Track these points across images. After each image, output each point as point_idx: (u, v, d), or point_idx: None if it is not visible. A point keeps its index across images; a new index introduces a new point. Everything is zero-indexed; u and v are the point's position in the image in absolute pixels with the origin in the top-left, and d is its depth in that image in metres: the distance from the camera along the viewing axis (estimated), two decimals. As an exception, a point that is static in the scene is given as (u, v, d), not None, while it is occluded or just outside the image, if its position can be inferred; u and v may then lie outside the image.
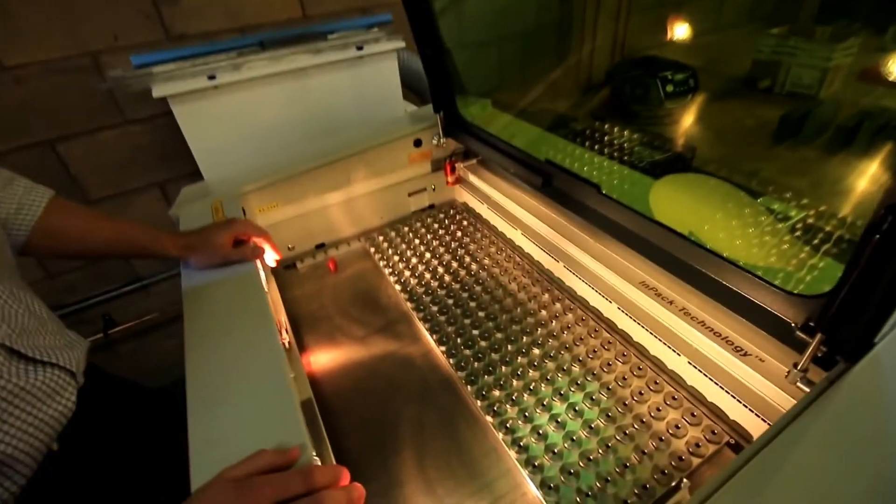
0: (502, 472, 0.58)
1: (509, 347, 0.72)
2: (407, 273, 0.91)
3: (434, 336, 0.76)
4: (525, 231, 0.91)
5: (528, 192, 0.95)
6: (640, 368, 0.66)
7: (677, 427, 0.58)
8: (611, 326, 0.74)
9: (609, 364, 0.67)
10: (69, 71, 1.22)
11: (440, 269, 0.91)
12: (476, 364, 0.70)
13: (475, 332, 0.76)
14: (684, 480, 0.52)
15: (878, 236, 0.37)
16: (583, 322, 0.75)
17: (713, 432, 0.57)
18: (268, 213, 0.95)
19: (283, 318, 0.80)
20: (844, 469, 0.35)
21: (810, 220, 0.67)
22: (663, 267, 0.64)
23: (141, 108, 1.34)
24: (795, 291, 0.48)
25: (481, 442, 0.62)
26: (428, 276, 0.89)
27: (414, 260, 0.94)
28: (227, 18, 1.34)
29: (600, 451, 0.57)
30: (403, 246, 0.99)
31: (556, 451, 0.57)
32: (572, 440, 0.58)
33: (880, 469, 0.35)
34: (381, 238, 1.03)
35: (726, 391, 0.56)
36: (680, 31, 1.21)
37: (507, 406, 0.63)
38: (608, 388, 0.64)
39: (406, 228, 1.05)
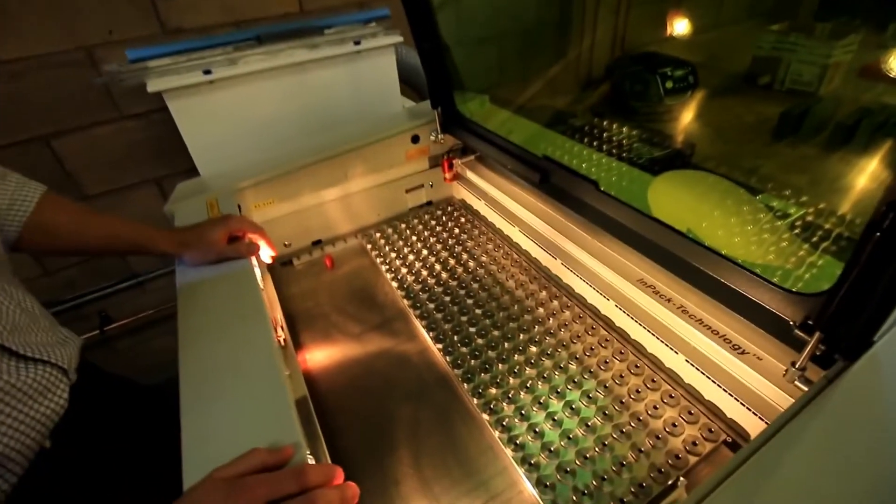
0: (498, 471, 0.57)
1: (506, 345, 0.72)
2: (404, 270, 0.90)
3: (430, 333, 0.76)
4: (523, 228, 0.91)
5: (525, 188, 0.94)
6: (637, 366, 0.66)
7: (674, 425, 0.58)
8: (608, 324, 0.73)
9: (606, 362, 0.67)
10: (64, 65, 1.21)
11: (437, 266, 0.90)
12: (472, 361, 0.70)
13: (472, 329, 0.75)
14: (681, 479, 0.52)
15: (878, 234, 0.37)
16: (580, 319, 0.75)
17: (710, 430, 0.57)
18: (264, 210, 0.94)
19: (279, 315, 0.79)
20: (842, 468, 0.35)
21: (809, 218, 0.67)
22: (661, 264, 0.64)
23: (136, 104, 1.33)
24: (794, 289, 0.48)
25: (477, 440, 0.61)
26: (425, 273, 0.89)
27: (411, 257, 0.94)
28: (223, 13, 1.33)
29: (597, 449, 0.56)
30: (400, 243, 0.99)
31: (552, 449, 0.57)
32: (569, 438, 0.58)
33: (879, 468, 0.35)
34: (378, 235, 1.02)
35: (724, 389, 0.56)
36: (680, 26, 1.20)
37: (504, 404, 0.63)
38: (605, 386, 0.64)
39: (403, 225, 1.04)
